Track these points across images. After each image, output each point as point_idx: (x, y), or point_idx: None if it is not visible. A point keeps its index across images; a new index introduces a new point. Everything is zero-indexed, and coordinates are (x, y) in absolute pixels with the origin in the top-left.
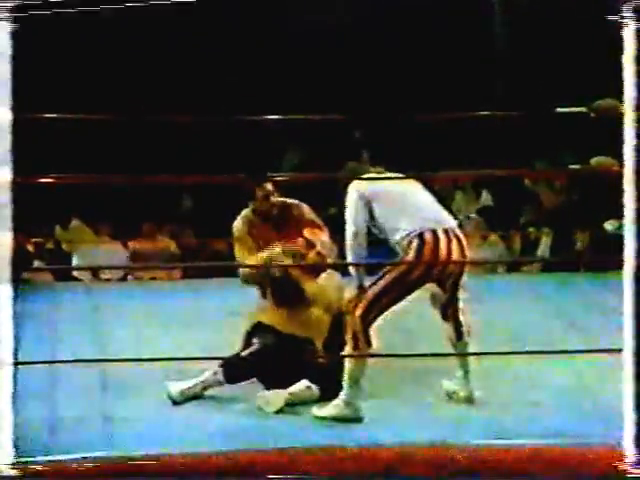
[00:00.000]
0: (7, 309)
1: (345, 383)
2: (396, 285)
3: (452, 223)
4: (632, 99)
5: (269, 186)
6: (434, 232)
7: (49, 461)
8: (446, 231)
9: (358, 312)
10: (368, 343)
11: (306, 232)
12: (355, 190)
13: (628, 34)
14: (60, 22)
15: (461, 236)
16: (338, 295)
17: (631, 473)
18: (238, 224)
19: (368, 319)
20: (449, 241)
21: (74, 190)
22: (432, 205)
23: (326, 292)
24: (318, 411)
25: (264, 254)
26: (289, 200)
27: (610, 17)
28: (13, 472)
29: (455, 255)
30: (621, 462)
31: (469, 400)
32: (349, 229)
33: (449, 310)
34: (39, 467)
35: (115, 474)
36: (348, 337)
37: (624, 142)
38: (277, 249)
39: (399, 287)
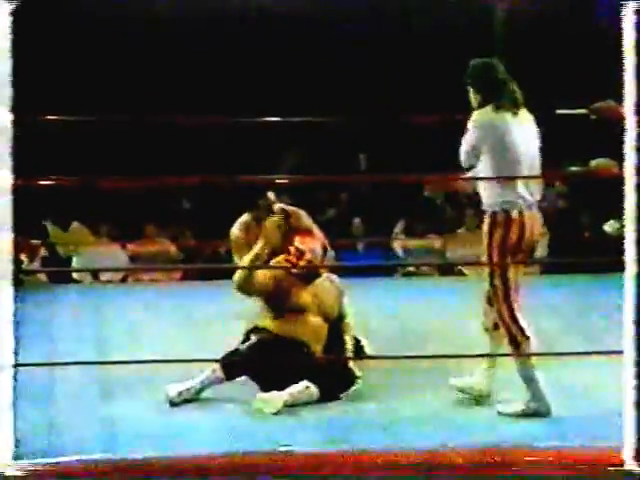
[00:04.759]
0: (8, 310)
1: (525, 383)
2: (501, 256)
3: (537, 196)
4: (632, 98)
5: (272, 195)
6: (529, 206)
7: (49, 461)
8: (531, 205)
9: (501, 301)
10: (522, 332)
11: (297, 240)
12: (482, 129)
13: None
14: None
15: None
16: (335, 300)
17: (631, 473)
18: (235, 231)
19: (510, 302)
20: (534, 215)
21: (74, 192)
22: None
23: (321, 299)
24: (504, 409)
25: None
26: (288, 207)
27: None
28: (13, 472)
29: (537, 229)
30: (621, 462)
31: (484, 396)
32: (463, 150)
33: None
34: (39, 467)
35: (115, 474)
36: (503, 331)
37: (624, 144)
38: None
39: (504, 257)
